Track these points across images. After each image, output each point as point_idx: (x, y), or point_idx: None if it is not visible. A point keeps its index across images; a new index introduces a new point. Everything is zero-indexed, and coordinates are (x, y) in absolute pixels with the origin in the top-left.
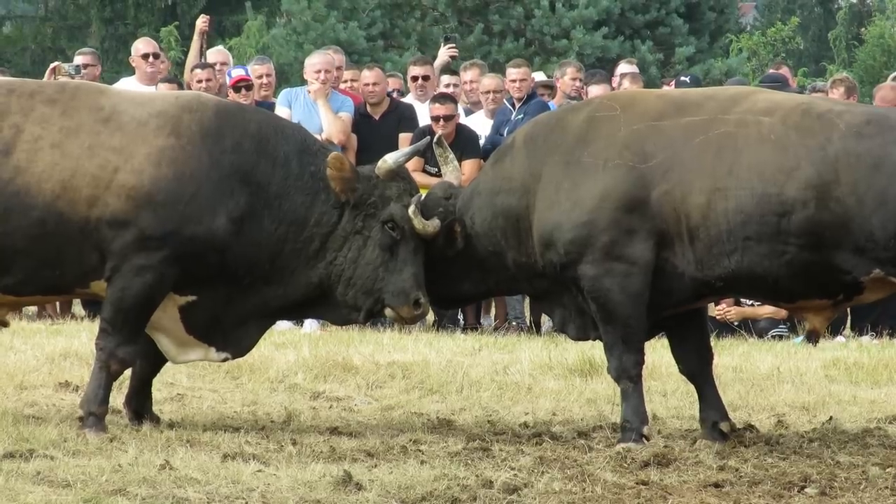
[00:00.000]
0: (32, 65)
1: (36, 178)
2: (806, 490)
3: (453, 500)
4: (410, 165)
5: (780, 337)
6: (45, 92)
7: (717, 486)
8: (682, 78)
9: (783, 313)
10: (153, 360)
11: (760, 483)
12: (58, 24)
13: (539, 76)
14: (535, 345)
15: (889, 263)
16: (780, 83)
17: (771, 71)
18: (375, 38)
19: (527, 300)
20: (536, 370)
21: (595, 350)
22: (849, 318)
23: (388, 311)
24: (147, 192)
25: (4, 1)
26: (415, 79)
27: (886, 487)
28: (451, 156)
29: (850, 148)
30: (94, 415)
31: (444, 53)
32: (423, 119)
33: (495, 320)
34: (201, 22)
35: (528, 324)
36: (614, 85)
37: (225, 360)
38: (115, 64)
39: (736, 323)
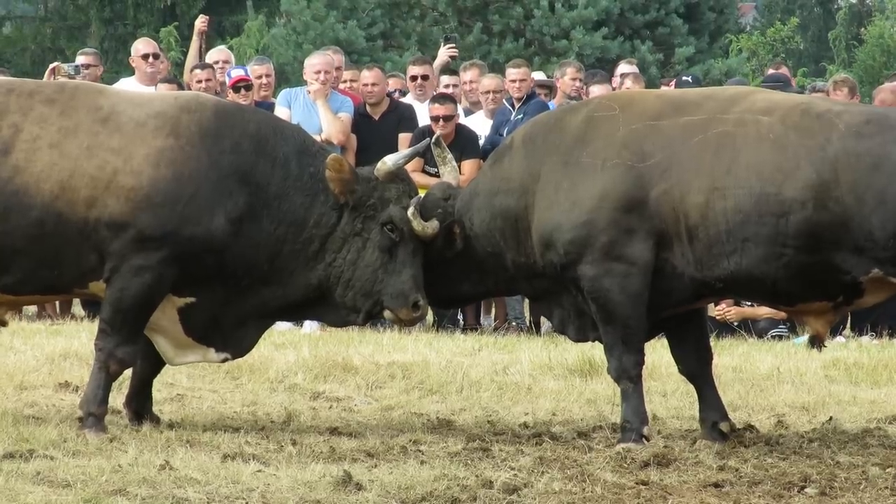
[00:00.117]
0: (32, 65)
1: (34, 178)
2: (806, 490)
3: (453, 500)
4: (410, 166)
5: (780, 337)
6: (44, 92)
7: (717, 486)
8: (684, 78)
9: (783, 314)
10: (153, 361)
11: (760, 483)
12: (57, 24)
13: (539, 76)
14: (534, 345)
15: (888, 263)
16: (781, 83)
17: (772, 71)
18: (375, 38)
19: (527, 300)
20: (536, 370)
21: (595, 350)
22: (849, 318)
23: (386, 313)
24: (146, 193)
25: (4, 1)
26: (414, 79)
27: (886, 487)
28: (450, 156)
29: (850, 148)
30: (94, 415)
31: (444, 53)
32: (423, 119)
33: (495, 321)
34: (200, 22)
35: (528, 324)
36: (615, 85)
37: (225, 360)
38: (115, 64)
39: (736, 323)
